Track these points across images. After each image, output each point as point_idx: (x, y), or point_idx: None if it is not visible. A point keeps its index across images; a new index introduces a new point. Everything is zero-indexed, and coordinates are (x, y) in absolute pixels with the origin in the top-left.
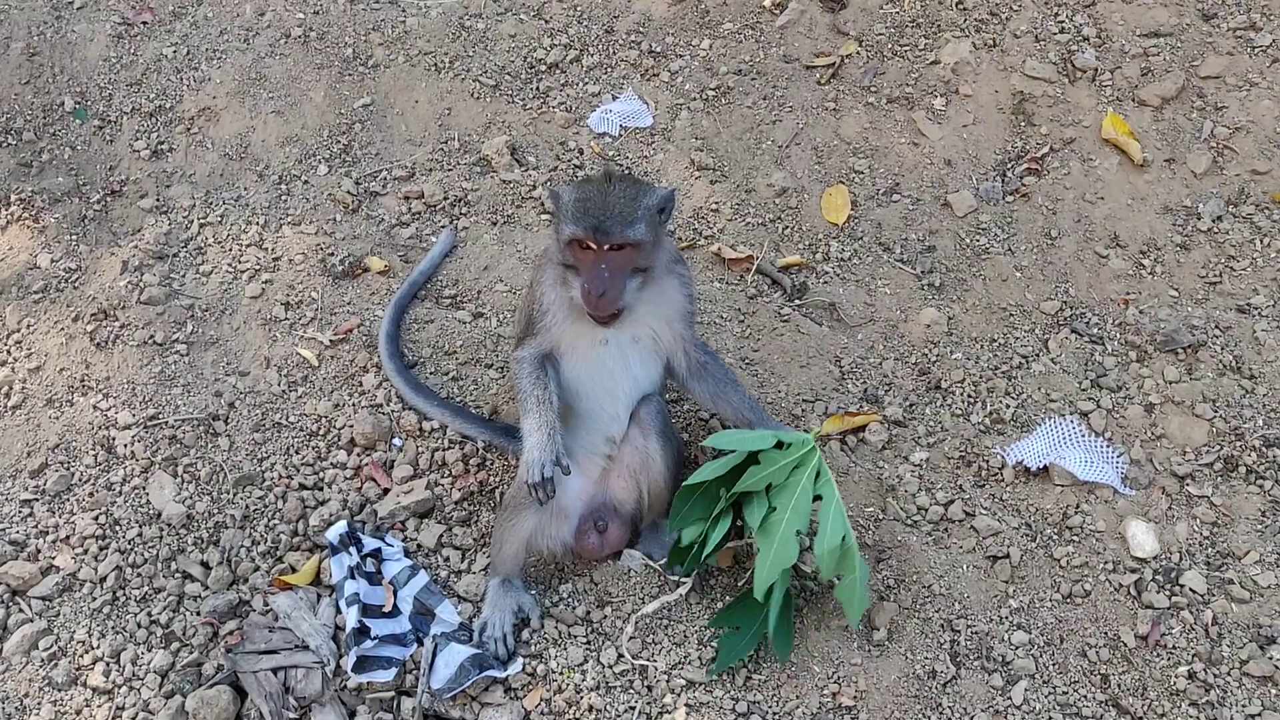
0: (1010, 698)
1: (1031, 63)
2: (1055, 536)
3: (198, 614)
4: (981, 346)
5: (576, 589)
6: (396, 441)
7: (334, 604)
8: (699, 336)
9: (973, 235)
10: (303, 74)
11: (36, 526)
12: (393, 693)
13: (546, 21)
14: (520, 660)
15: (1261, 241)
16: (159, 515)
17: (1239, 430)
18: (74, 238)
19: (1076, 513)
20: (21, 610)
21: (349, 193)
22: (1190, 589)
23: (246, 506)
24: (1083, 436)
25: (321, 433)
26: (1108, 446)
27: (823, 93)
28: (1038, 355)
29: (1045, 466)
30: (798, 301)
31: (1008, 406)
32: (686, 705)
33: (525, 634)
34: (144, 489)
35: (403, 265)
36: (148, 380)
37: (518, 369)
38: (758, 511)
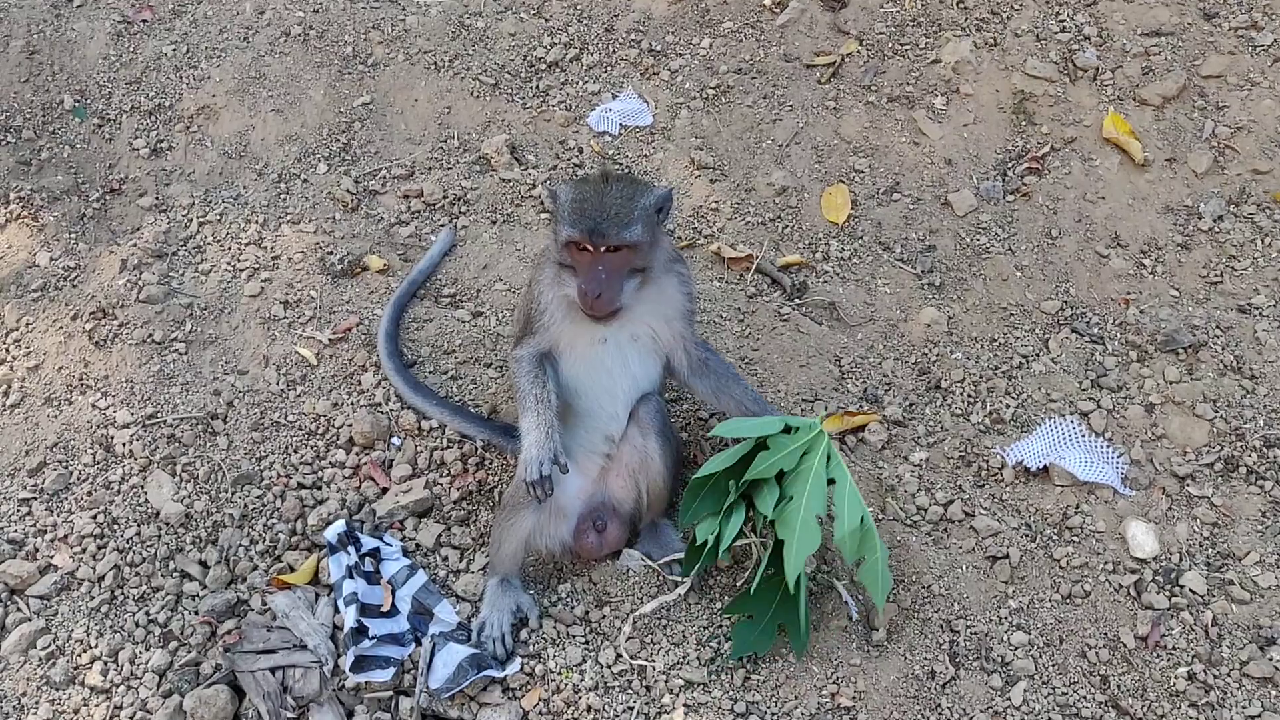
0: (1009, 698)
1: (1032, 62)
2: (1055, 537)
3: (196, 613)
4: (981, 346)
5: (575, 589)
6: (395, 441)
7: (332, 603)
8: (699, 335)
9: (973, 235)
10: (302, 72)
11: (35, 525)
12: (391, 692)
13: (546, 20)
14: (518, 660)
15: (1263, 241)
16: (157, 514)
17: (1239, 430)
18: (73, 236)
19: (1076, 513)
20: (19, 609)
21: (348, 191)
22: (1190, 590)
23: (245, 505)
24: (1083, 436)
25: (320, 432)
26: (1108, 447)
27: (823, 92)
28: (1038, 355)
29: (1045, 467)
30: (797, 301)
31: (1008, 406)
32: (685, 705)
33: (523, 634)
34: (142, 488)
35: (402, 264)
36: (146, 379)
37: (516, 368)
38: (769, 499)
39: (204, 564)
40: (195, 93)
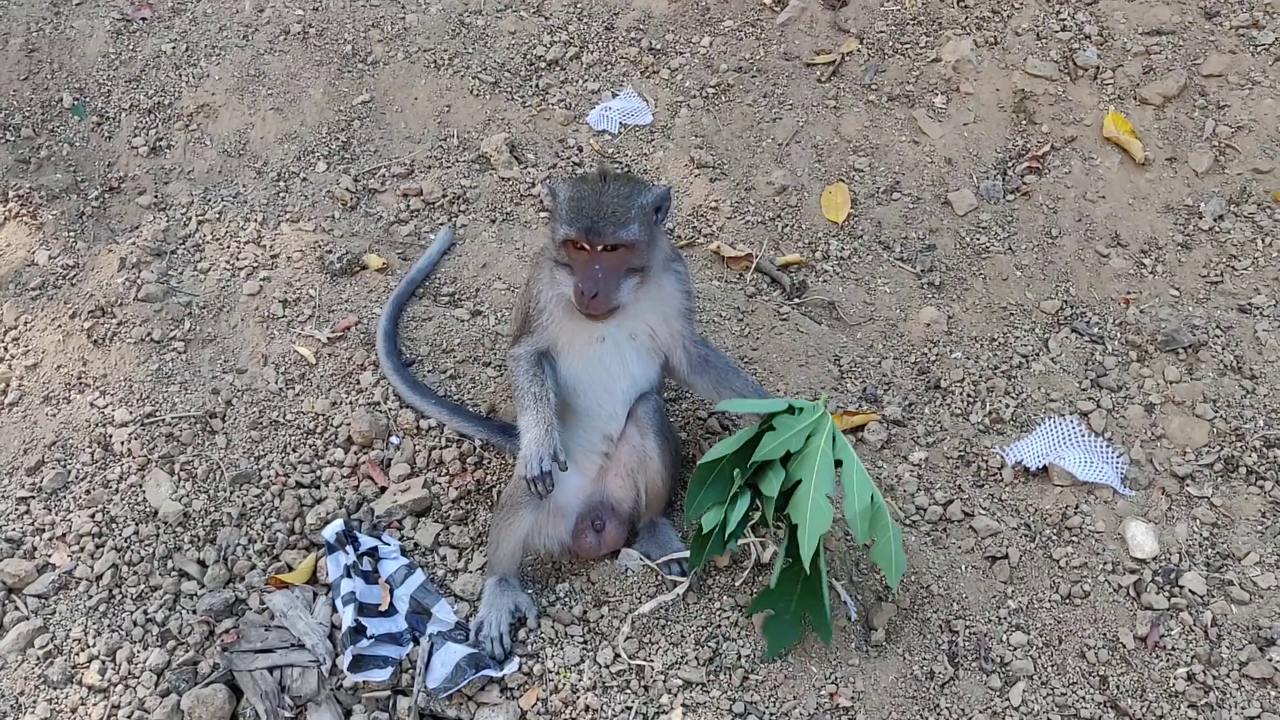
0: (1009, 699)
1: (1033, 61)
2: (1054, 537)
3: (194, 612)
4: (981, 346)
5: (573, 588)
6: (394, 440)
7: (330, 603)
8: (698, 334)
9: (973, 234)
10: (302, 71)
11: (33, 524)
12: (389, 692)
13: (546, 18)
14: (516, 660)
15: (1263, 241)
16: (155, 513)
17: (1239, 431)
18: (72, 234)
19: (1076, 513)
20: (17, 608)
21: (347, 190)
22: (1190, 590)
23: (243, 504)
24: (1083, 436)
25: (319, 431)
26: (1107, 446)
27: (823, 90)
28: (1038, 355)
29: (1045, 466)
30: (797, 300)
31: (1007, 406)
32: (683, 705)
33: (522, 633)
34: (141, 487)
35: (401, 263)
36: (145, 378)
37: (515, 366)
38: (774, 482)
39: (202, 563)
40: (194, 91)
